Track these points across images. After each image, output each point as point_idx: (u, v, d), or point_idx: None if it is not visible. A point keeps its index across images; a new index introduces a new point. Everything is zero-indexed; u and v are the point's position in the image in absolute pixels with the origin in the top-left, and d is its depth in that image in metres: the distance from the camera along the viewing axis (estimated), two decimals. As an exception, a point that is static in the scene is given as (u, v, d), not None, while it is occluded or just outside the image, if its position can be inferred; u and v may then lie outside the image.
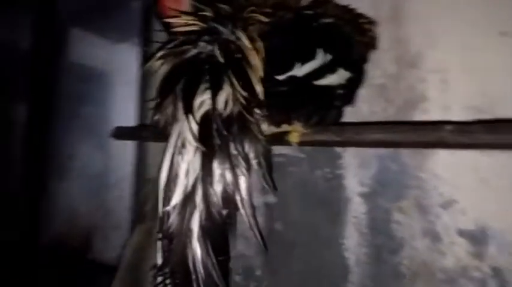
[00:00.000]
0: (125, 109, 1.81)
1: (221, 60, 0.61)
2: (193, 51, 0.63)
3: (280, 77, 0.65)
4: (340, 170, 1.07)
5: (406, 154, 0.98)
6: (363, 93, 0.99)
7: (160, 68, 0.66)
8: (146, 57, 1.54)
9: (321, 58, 0.68)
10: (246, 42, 0.62)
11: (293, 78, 0.66)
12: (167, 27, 0.86)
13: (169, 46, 0.66)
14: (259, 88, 0.61)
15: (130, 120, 1.61)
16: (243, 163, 0.60)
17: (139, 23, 1.65)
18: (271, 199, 1.18)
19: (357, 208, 1.04)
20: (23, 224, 1.89)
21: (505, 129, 0.63)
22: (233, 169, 0.60)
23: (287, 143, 0.74)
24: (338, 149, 1.07)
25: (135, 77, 1.70)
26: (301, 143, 0.75)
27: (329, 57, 0.69)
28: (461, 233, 0.91)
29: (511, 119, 0.79)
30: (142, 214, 1.00)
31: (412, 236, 0.96)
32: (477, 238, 0.89)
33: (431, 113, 0.96)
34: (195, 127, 0.59)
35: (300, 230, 1.13)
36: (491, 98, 0.89)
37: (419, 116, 0.97)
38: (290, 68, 0.65)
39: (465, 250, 0.90)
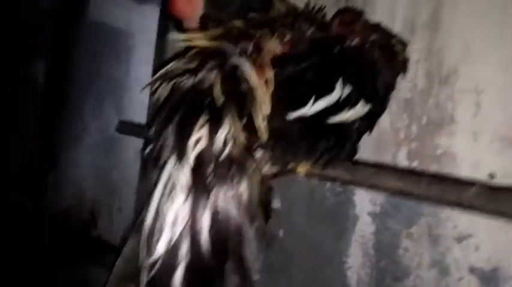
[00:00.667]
0: (143, 71, 1.77)
1: (222, 95, 0.54)
2: (195, 80, 0.57)
3: (291, 115, 0.58)
4: (352, 185, 1.01)
5: (424, 177, 0.91)
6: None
7: (159, 90, 0.60)
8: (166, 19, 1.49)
9: (339, 90, 0.61)
10: (253, 75, 0.55)
11: (304, 117, 0.59)
12: (179, 26, 0.80)
13: (170, 69, 0.60)
14: (263, 127, 0.55)
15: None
16: (238, 211, 0.55)
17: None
18: (276, 204, 1.13)
19: (364, 227, 0.98)
20: (30, 193, 1.90)
21: None
22: (227, 219, 0.54)
23: (292, 174, 0.68)
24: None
25: (155, 38, 1.65)
26: (308, 176, 0.68)
27: (349, 88, 0.61)
28: (472, 270, 0.84)
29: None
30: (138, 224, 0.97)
31: (419, 265, 0.90)
32: (488, 278, 0.83)
33: (457, 137, 0.88)
34: (188, 171, 0.54)
35: (302, 241, 1.09)
36: (528, 129, 0.80)
37: (445, 140, 0.89)
38: (303, 104, 0.58)
39: (475, 288, 0.84)
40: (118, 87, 1.87)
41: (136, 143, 1.61)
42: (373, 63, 0.66)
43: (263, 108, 0.55)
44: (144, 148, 0.60)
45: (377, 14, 1.01)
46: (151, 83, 0.62)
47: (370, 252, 0.97)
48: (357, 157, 0.80)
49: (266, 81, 0.56)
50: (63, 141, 1.95)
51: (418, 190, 0.64)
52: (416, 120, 0.94)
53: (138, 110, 1.70)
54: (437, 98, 0.91)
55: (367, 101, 0.65)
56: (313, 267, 1.06)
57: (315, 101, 0.59)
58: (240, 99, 0.55)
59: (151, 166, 0.60)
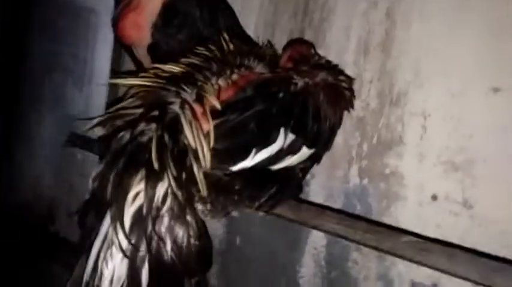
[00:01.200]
0: (104, 51, 1.70)
1: (157, 156, 0.53)
2: (135, 131, 0.56)
3: (232, 168, 0.59)
4: (306, 197, 1.03)
5: (372, 195, 0.95)
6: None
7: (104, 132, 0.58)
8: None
9: (282, 140, 0.61)
10: (192, 130, 0.55)
11: (246, 169, 0.59)
12: (128, 52, 0.78)
13: (114, 112, 0.58)
14: (203, 182, 0.55)
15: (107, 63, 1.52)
16: (177, 266, 0.55)
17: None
18: (234, 212, 1.15)
19: (316, 240, 1.02)
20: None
21: (466, 261, 0.59)
22: (166, 274, 0.55)
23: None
24: (307, 177, 1.03)
25: None
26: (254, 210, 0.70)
27: (292, 137, 0.62)
28: (414, 284, 0.90)
29: (474, 250, 0.75)
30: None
31: (366, 278, 0.96)
32: (428, 293, 0.89)
33: (405, 159, 0.91)
34: (123, 234, 0.53)
35: (258, 249, 1.12)
36: (469, 155, 0.84)
37: (393, 160, 0.92)
38: (244, 156, 0.59)
39: (415, 301, 0.90)
40: (80, 70, 1.79)
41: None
42: (318, 108, 0.67)
43: (203, 162, 0.55)
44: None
45: (333, 32, 1.02)
46: (97, 125, 0.61)
47: (322, 263, 1.01)
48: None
49: (207, 134, 0.56)
50: (19, 133, 1.88)
51: (354, 236, 0.67)
52: (367, 139, 0.97)
53: (99, 89, 1.65)
54: (387, 119, 0.94)
55: (310, 145, 0.66)
56: (268, 275, 1.10)
57: (257, 152, 0.59)
58: (179, 153, 0.55)
59: (89, 213, 0.60)
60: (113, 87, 1.52)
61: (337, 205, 0.99)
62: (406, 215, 0.91)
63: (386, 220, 0.93)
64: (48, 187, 1.77)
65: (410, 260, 0.64)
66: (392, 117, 0.93)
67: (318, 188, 1.02)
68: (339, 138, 0.98)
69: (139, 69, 0.89)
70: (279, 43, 1.11)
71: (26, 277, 1.65)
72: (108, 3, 1.80)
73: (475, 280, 0.58)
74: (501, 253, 0.79)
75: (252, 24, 1.15)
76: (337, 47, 1.02)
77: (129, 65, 1.30)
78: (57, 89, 1.86)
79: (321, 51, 1.04)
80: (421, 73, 0.90)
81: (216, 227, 1.18)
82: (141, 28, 0.77)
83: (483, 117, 0.83)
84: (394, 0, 0.93)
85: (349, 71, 1.00)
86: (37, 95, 1.88)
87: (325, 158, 0.98)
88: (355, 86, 0.98)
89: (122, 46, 0.86)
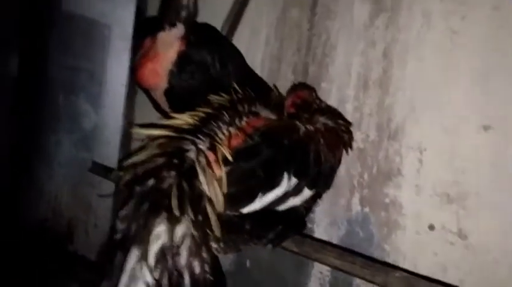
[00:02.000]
0: (119, 65, 1.78)
1: (177, 201, 0.60)
2: (156, 179, 0.63)
3: (242, 210, 0.66)
4: (312, 224, 1.10)
5: (373, 223, 1.01)
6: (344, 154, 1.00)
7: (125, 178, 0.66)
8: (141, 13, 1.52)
9: (286, 183, 0.68)
10: (206, 178, 0.62)
11: (255, 210, 0.66)
12: (147, 94, 0.86)
13: (135, 161, 0.65)
14: (217, 224, 0.62)
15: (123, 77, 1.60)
16: None
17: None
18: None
19: (322, 265, 1.08)
20: (4, 205, 1.92)
21: None
22: None
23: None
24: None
25: (131, 31, 1.66)
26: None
27: (295, 180, 0.69)
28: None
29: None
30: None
31: (369, 302, 1.01)
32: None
33: (403, 189, 0.97)
34: (148, 270, 0.60)
35: (267, 272, 1.18)
36: (463, 188, 0.90)
37: (392, 190, 0.99)
38: (253, 200, 0.66)
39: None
40: (95, 89, 1.87)
41: (111, 159, 1.65)
42: (318, 152, 0.74)
43: (216, 206, 0.62)
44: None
45: (335, 67, 1.08)
46: (119, 172, 0.68)
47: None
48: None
49: (219, 180, 0.63)
50: (37, 153, 1.96)
51: (352, 270, 0.74)
52: (368, 169, 1.03)
53: (114, 106, 1.72)
54: (386, 151, 1.00)
55: (312, 187, 0.73)
56: (276, 296, 1.16)
57: (264, 195, 0.66)
58: (195, 198, 0.62)
59: (117, 249, 0.67)
60: (127, 110, 1.60)
61: (340, 232, 1.05)
62: (406, 243, 0.96)
63: (388, 248, 0.99)
64: (66, 206, 1.85)
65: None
66: (390, 149, 0.99)
67: (322, 215, 1.08)
68: (341, 168, 1.04)
69: (156, 109, 0.96)
70: (284, 76, 1.19)
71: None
72: (121, 18, 1.90)
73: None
74: (494, 281, 0.85)
75: (259, 59, 1.22)
76: (339, 81, 1.09)
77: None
78: (74, 109, 1.95)
79: (324, 84, 1.12)
80: (416, 109, 0.96)
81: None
82: (158, 75, 0.85)
83: (475, 152, 0.89)
84: (390, 42, 0.99)
85: (350, 104, 1.07)
86: (55, 115, 1.97)
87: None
88: (357, 118, 1.05)
89: (140, 88, 0.94)
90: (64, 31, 2.01)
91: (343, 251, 0.79)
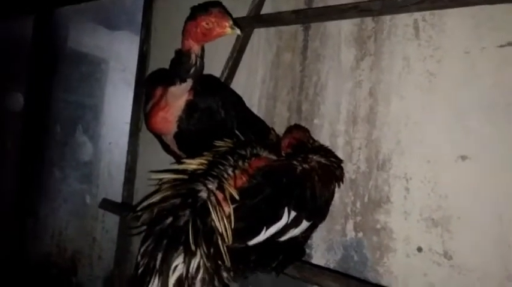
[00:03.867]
0: (120, 97, 1.87)
1: (192, 236, 0.69)
2: (172, 217, 0.72)
3: (248, 242, 0.74)
4: (310, 250, 1.18)
5: (366, 247, 1.09)
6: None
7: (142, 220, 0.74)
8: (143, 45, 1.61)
9: (286, 217, 0.77)
10: (216, 215, 0.71)
11: (259, 242, 0.75)
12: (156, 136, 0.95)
13: (151, 201, 0.74)
14: (226, 255, 0.70)
15: (126, 110, 1.69)
16: None
17: (138, 11, 1.69)
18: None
19: (321, 288, 1.15)
20: (10, 241, 1.97)
21: None
22: None
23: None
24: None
25: (131, 65, 1.76)
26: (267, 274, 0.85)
27: (294, 214, 0.78)
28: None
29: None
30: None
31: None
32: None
33: (393, 215, 1.06)
34: None
35: (270, 298, 1.25)
36: (446, 212, 0.99)
37: (383, 216, 1.08)
38: (258, 233, 0.74)
39: None
40: (99, 126, 1.96)
41: (115, 194, 1.72)
42: (314, 188, 0.83)
43: (226, 239, 0.71)
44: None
45: (326, 105, 1.19)
46: (137, 212, 0.77)
47: (326, 309, 1.14)
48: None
49: (228, 216, 0.72)
50: (42, 190, 2.04)
51: None
52: (360, 197, 1.12)
53: (118, 143, 1.80)
54: (376, 181, 1.10)
55: (309, 218, 0.82)
56: (279, 320, 1.23)
57: (268, 229, 0.75)
58: (208, 234, 0.71)
59: (138, 283, 0.75)
60: (132, 146, 1.69)
61: (337, 257, 1.14)
62: (397, 265, 1.05)
63: (381, 270, 1.07)
64: (71, 240, 1.91)
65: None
66: (379, 179, 1.09)
67: (319, 241, 1.17)
68: (335, 198, 1.13)
69: (166, 150, 1.06)
70: (280, 114, 1.29)
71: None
72: (117, 53, 2.01)
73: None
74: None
75: (256, 98, 1.33)
76: (330, 117, 1.19)
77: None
78: (78, 145, 2.04)
79: (316, 121, 1.22)
80: (401, 142, 1.06)
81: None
82: (169, 122, 0.95)
83: (455, 180, 0.98)
84: (375, 82, 1.10)
85: (341, 138, 1.17)
86: (59, 152, 2.05)
87: (325, 215, 1.13)
88: (348, 151, 1.15)
89: (153, 134, 1.03)
90: (67, 68, 2.12)
91: (339, 275, 0.87)
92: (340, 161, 1.00)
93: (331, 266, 1.14)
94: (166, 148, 1.05)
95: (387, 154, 1.08)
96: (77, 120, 2.06)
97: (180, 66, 0.89)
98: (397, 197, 1.06)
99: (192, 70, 0.90)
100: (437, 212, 1.00)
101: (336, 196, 1.13)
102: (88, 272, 1.83)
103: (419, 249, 1.02)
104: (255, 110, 1.28)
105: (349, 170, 1.13)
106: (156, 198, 0.76)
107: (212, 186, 0.75)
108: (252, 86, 1.34)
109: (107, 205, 1.32)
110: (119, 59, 2.04)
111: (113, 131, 1.98)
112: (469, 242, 0.96)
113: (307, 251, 1.17)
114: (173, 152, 1.03)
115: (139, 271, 0.73)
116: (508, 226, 0.92)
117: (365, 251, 1.10)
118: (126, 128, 1.71)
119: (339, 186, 0.99)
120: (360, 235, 1.11)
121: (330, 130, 1.19)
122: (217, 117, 0.97)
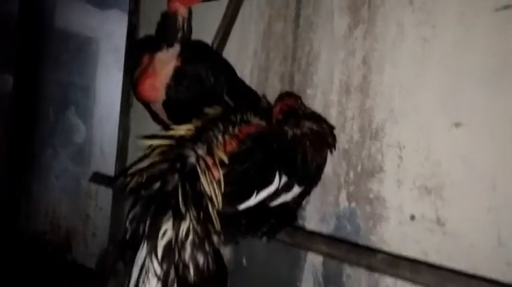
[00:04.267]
0: (111, 78, 1.85)
1: (182, 200, 0.68)
2: (161, 182, 0.70)
3: (238, 207, 0.73)
4: (303, 221, 1.18)
5: (359, 217, 1.09)
6: (329, 155, 1.09)
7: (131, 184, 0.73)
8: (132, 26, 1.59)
9: (277, 182, 0.76)
10: (206, 179, 0.69)
11: (250, 207, 0.74)
12: (146, 107, 0.93)
13: (140, 167, 0.73)
14: (216, 219, 0.70)
15: (117, 90, 1.67)
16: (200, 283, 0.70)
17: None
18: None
19: (314, 258, 1.16)
20: (3, 220, 1.96)
21: (425, 272, 0.75)
22: None
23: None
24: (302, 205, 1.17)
25: (122, 44, 1.73)
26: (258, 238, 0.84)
27: (285, 178, 0.77)
28: (400, 294, 1.03)
29: (436, 265, 0.90)
30: (115, 269, 1.10)
31: (359, 290, 1.09)
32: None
33: (386, 184, 1.06)
34: (158, 263, 0.68)
35: (262, 268, 1.25)
36: (439, 180, 0.99)
37: (376, 186, 1.07)
38: (248, 197, 0.73)
39: (401, 308, 1.03)
40: (89, 103, 1.93)
41: (108, 171, 1.71)
42: (305, 153, 0.82)
43: (216, 204, 0.70)
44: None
45: (319, 75, 1.17)
46: (125, 178, 0.75)
47: (319, 279, 1.15)
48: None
49: (218, 181, 0.71)
50: (35, 168, 2.02)
51: (339, 254, 0.82)
52: (353, 167, 1.11)
53: (109, 118, 1.78)
54: (369, 150, 1.09)
55: (300, 184, 0.81)
56: (272, 290, 1.24)
57: (258, 193, 0.74)
58: (197, 198, 0.70)
59: (128, 248, 0.74)
60: (123, 122, 1.67)
61: (330, 227, 1.13)
62: (390, 233, 1.05)
63: (374, 238, 1.07)
64: (64, 218, 1.90)
65: (383, 273, 0.79)
66: (373, 148, 1.08)
67: (312, 212, 1.16)
68: (328, 168, 1.13)
69: (155, 119, 1.04)
70: (272, 85, 1.27)
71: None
72: (108, 32, 1.97)
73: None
74: (470, 263, 0.93)
75: (248, 69, 1.31)
76: (323, 88, 1.18)
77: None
78: (68, 123, 2.01)
79: (309, 91, 1.20)
80: (394, 111, 1.05)
81: (224, 251, 1.31)
82: (157, 90, 0.92)
83: (448, 147, 0.98)
84: (368, 50, 1.08)
85: (334, 108, 1.15)
86: (51, 130, 2.03)
87: (318, 186, 1.13)
88: (341, 121, 1.13)
89: (140, 102, 1.01)
90: (56, 48, 2.08)
91: (331, 239, 0.87)
92: (332, 127, 0.99)
93: (325, 236, 1.14)
94: (155, 117, 1.03)
95: (380, 123, 1.07)
96: (68, 99, 2.03)
97: (167, 30, 0.87)
98: (390, 166, 1.05)
99: (179, 34, 0.87)
100: (431, 180, 1.00)
101: (329, 166, 1.13)
102: (83, 249, 1.83)
103: (412, 217, 1.02)
104: (246, 82, 1.26)
105: (342, 140, 1.12)
106: (144, 164, 0.74)
107: (201, 151, 0.74)
108: (243, 58, 1.31)
109: (98, 178, 1.30)
110: (109, 38, 1.99)
111: (105, 109, 1.95)
112: (462, 210, 0.96)
113: (300, 222, 1.17)
114: (162, 121, 1.01)
115: (128, 236, 0.73)
116: (501, 193, 0.92)
117: (358, 221, 1.10)
118: (117, 105, 1.69)
119: (331, 152, 0.98)
120: (353, 204, 1.11)
121: (323, 100, 1.17)
122: (207, 85, 0.95)
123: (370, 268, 0.80)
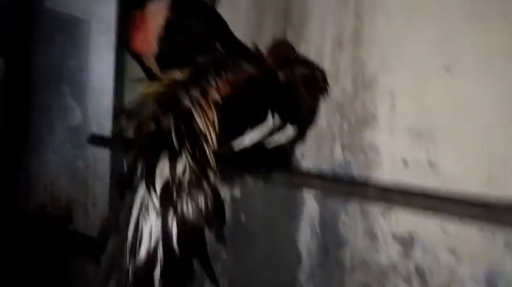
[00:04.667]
0: (103, 59, 1.85)
1: (176, 139, 0.70)
2: (156, 124, 0.72)
3: (234, 147, 0.76)
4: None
5: (354, 165, 1.12)
6: (323, 108, 1.11)
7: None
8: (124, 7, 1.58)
9: (270, 121, 0.79)
10: (200, 118, 0.71)
11: (246, 148, 0.76)
12: (137, 59, 0.94)
13: (135, 111, 0.75)
14: (212, 157, 0.72)
15: (110, 73, 1.67)
16: (198, 221, 0.72)
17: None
18: (236, 193, 1.32)
19: (310, 208, 1.19)
20: (4, 198, 1.98)
21: (419, 201, 0.78)
22: (191, 227, 0.72)
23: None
24: (297, 153, 1.19)
25: (114, 26, 1.73)
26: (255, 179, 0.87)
27: (278, 119, 0.79)
28: (394, 236, 1.07)
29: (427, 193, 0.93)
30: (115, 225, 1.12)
31: (354, 236, 1.12)
32: (406, 241, 1.06)
33: (379, 132, 1.08)
34: (156, 198, 0.70)
35: (261, 222, 1.29)
36: (431, 125, 1.01)
37: (369, 134, 1.09)
38: (242, 133, 0.76)
39: (396, 250, 1.07)
40: (83, 80, 1.93)
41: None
42: (297, 95, 0.84)
43: (211, 143, 0.73)
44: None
45: (311, 29, 1.18)
46: (121, 121, 0.77)
47: (316, 228, 1.18)
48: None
49: (212, 121, 0.73)
50: (31, 143, 2.02)
51: (334, 189, 0.85)
52: (346, 119, 1.13)
53: (104, 91, 1.79)
54: (362, 101, 1.11)
55: (294, 124, 0.84)
56: (271, 243, 1.27)
57: (251, 130, 0.77)
58: (192, 137, 0.72)
59: (126, 187, 0.76)
60: (117, 94, 1.68)
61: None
62: (384, 180, 1.07)
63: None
64: (64, 190, 1.92)
65: (376, 201, 0.82)
66: (366, 99, 1.10)
67: (308, 164, 1.18)
68: (323, 121, 1.15)
69: (147, 74, 1.05)
70: (264, 42, 1.28)
71: (52, 271, 1.80)
72: (100, 14, 1.95)
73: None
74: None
75: (239, 26, 1.31)
76: (316, 42, 1.19)
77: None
78: (64, 99, 2.01)
79: (302, 46, 1.21)
80: (386, 60, 1.06)
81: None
82: (149, 42, 0.93)
83: (439, 94, 1.00)
84: (359, 1, 1.09)
85: (327, 62, 1.17)
86: (46, 105, 2.02)
87: (313, 139, 1.15)
88: (334, 74, 1.15)
89: (131, 55, 1.02)
90: (46, 28, 2.06)
91: (326, 178, 0.90)
92: (324, 73, 1.01)
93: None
94: (147, 71, 1.04)
95: (373, 74, 1.09)
96: (60, 74, 2.02)
97: None
98: (382, 115, 1.08)
99: None
100: (422, 126, 1.02)
101: (323, 118, 1.15)
102: (84, 219, 1.85)
103: (405, 162, 1.04)
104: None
105: (335, 92, 1.14)
106: (137, 108, 0.76)
107: (195, 93, 0.75)
108: (235, 15, 1.31)
109: (96, 139, 1.31)
110: (100, 19, 1.96)
111: (99, 84, 1.94)
112: (452, 153, 0.99)
113: (297, 174, 1.19)
114: (155, 76, 1.02)
115: (125, 178, 0.75)
116: (492, 136, 0.94)
117: (352, 170, 1.12)
118: (111, 83, 1.69)
119: (324, 97, 1.00)
120: (348, 155, 1.13)
121: (316, 53, 1.18)
122: (199, 38, 0.96)
123: (364, 198, 0.83)
